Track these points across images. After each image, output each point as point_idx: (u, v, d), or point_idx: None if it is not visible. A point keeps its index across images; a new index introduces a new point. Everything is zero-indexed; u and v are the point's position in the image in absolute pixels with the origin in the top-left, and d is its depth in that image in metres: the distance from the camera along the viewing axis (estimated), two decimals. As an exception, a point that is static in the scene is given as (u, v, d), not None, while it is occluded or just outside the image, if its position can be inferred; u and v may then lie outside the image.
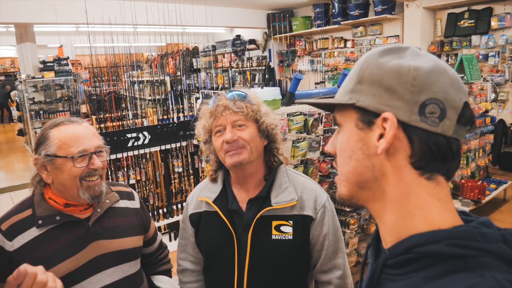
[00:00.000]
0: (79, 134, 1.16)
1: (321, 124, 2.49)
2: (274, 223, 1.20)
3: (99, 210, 1.22)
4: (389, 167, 0.55)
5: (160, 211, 3.83)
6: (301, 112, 2.33)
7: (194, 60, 8.64)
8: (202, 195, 1.29)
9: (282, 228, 1.20)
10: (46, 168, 1.15)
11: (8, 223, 1.13)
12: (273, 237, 1.20)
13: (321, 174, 2.51)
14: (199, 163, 3.91)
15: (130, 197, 1.36)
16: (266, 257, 1.20)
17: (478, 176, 4.25)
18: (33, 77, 6.69)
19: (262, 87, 2.42)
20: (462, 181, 3.84)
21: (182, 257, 1.38)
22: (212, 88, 5.53)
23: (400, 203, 0.55)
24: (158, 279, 1.42)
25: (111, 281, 1.20)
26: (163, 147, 3.61)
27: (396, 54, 0.55)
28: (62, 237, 1.15)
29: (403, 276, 0.53)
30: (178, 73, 7.12)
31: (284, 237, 1.20)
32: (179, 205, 3.92)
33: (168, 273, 1.50)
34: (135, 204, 1.36)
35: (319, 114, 2.42)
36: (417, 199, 0.54)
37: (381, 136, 0.54)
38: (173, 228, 3.93)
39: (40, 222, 1.13)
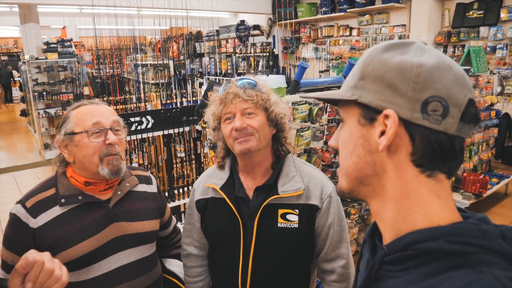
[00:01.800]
0: (94, 110, 1.20)
1: (326, 113, 2.48)
2: (280, 211, 1.21)
3: (119, 192, 1.25)
4: (390, 164, 0.55)
5: (162, 195, 3.85)
6: (306, 101, 2.32)
7: (197, 44, 8.56)
8: (209, 181, 1.30)
9: (288, 217, 1.21)
10: (67, 147, 1.19)
11: (33, 201, 1.16)
12: (279, 225, 1.21)
13: (323, 163, 2.52)
14: (202, 149, 3.92)
15: (148, 181, 1.39)
16: (271, 244, 1.22)
17: (481, 169, 4.25)
18: (37, 58, 6.64)
19: (267, 75, 2.41)
20: (464, 174, 3.84)
21: (187, 242, 1.40)
22: (216, 74, 5.49)
23: (400, 200, 0.55)
24: (170, 262, 1.46)
25: (128, 262, 1.24)
26: (166, 132, 3.62)
27: (400, 50, 0.54)
28: (84, 217, 1.18)
29: (401, 272, 0.53)
30: (181, 58, 7.07)
31: (289, 225, 1.21)
32: (181, 190, 3.95)
33: (179, 257, 1.53)
34: (153, 188, 1.39)
35: (323, 103, 2.41)
36: (417, 196, 0.54)
37: (382, 133, 0.54)
38: (174, 212, 3.97)
39: (63, 200, 1.16)
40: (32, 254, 0.85)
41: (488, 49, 5.26)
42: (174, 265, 1.45)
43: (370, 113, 0.55)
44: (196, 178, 4.03)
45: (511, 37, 5.11)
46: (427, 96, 0.51)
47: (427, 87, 0.51)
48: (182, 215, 4.00)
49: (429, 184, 0.54)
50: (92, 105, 1.22)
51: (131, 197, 1.29)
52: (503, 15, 5.14)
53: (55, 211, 1.16)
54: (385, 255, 0.56)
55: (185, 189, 3.97)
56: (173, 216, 1.53)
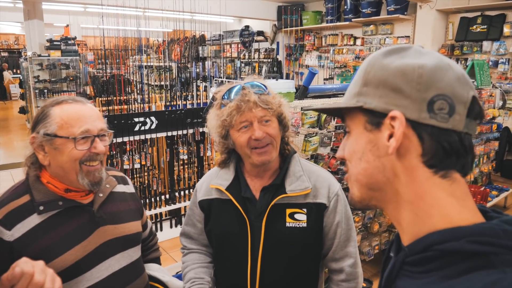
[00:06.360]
0: (82, 114, 1.08)
1: (334, 120, 2.49)
2: (288, 211, 1.21)
3: (101, 195, 1.18)
4: (401, 167, 0.54)
5: (163, 197, 3.83)
6: (315, 107, 2.32)
7: (200, 48, 8.58)
8: (214, 182, 1.28)
9: (296, 216, 1.21)
10: (43, 148, 1.06)
11: (5, 211, 1.03)
12: (288, 224, 1.21)
13: (330, 169, 2.51)
14: (204, 151, 3.91)
15: (125, 181, 1.33)
16: (280, 244, 1.21)
17: (481, 182, 4.27)
18: (39, 55, 6.63)
19: (277, 79, 2.41)
20: (465, 186, 3.86)
21: (185, 241, 1.40)
22: (220, 78, 5.51)
23: (415, 203, 0.54)
24: (149, 267, 1.38)
25: (119, 267, 1.18)
26: (169, 134, 3.61)
27: (399, 54, 0.55)
28: (67, 224, 1.08)
29: (422, 274, 0.52)
30: (183, 60, 7.08)
31: (298, 224, 1.21)
32: (182, 192, 3.93)
33: (157, 260, 1.48)
34: (130, 188, 1.33)
35: (332, 109, 2.42)
36: (432, 199, 0.53)
37: (390, 136, 0.53)
38: (175, 215, 3.95)
39: (41, 208, 1.05)
40: (21, 265, 0.78)
41: (490, 63, 5.32)
42: (154, 270, 1.38)
43: (376, 118, 0.55)
44: (198, 181, 4.01)
45: (514, 52, 5.17)
46: (432, 95, 0.51)
47: (431, 87, 0.51)
48: (183, 218, 3.97)
49: (444, 185, 0.53)
50: (77, 105, 1.09)
51: (112, 198, 1.21)
52: (506, 30, 5.20)
53: (33, 220, 1.04)
54: (406, 256, 0.55)
55: (186, 191, 3.95)
56: (148, 219, 1.46)
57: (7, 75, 14.07)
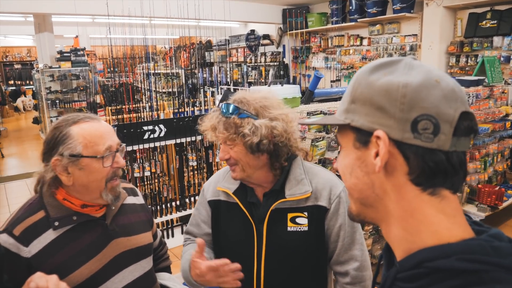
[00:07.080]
0: (102, 131, 1.10)
1: (341, 123, 2.47)
2: (290, 215, 1.22)
3: (113, 208, 1.20)
4: (389, 184, 0.55)
5: (173, 203, 3.86)
6: (321, 111, 2.31)
7: (207, 53, 8.64)
8: (221, 185, 1.30)
9: (298, 220, 1.22)
10: (67, 169, 1.07)
11: (21, 227, 1.05)
12: (289, 229, 1.21)
13: (338, 173, 2.50)
14: (213, 157, 3.93)
15: (134, 193, 1.35)
16: (282, 248, 1.22)
17: (495, 181, 4.17)
18: (50, 67, 6.76)
19: (282, 85, 2.41)
20: (479, 185, 3.78)
21: (188, 238, 1.41)
22: (227, 83, 5.53)
23: (405, 219, 0.55)
24: (160, 276, 1.41)
25: (133, 279, 1.20)
26: (178, 141, 3.63)
27: (387, 69, 0.55)
28: (81, 238, 1.11)
29: None
30: (191, 66, 7.13)
31: (299, 228, 1.21)
32: (192, 198, 3.95)
33: (168, 269, 1.50)
34: (140, 199, 1.35)
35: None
36: (422, 215, 0.54)
37: (377, 154, 0.54)
38: (186, 221, 3.96)
39: (56, 224, 1.07)
40: (36, 280, 0.80)
41: (502, 59, 5.21)
42: (165, 279, 1.40)
43: (364, 136, 0.56)
44: (207, 187, 4.03)
45: (525, 47, 5.05)
46: (416, 115, 0.51)
47: (415, 107, 0.51)
48: (193, 224, 3.99)
49: (433, 202, 0.53)
50: (95, 123, 1.11)
51: (123, 211, 1.24)
52: (517, 25, 5.10)
53: (49, 236, 1.06)
54: (397, 272, 0.55)
55: (197, 197, 3.97)
56: (157, 229, 1.47)
57: (19, 102, 14.20)
